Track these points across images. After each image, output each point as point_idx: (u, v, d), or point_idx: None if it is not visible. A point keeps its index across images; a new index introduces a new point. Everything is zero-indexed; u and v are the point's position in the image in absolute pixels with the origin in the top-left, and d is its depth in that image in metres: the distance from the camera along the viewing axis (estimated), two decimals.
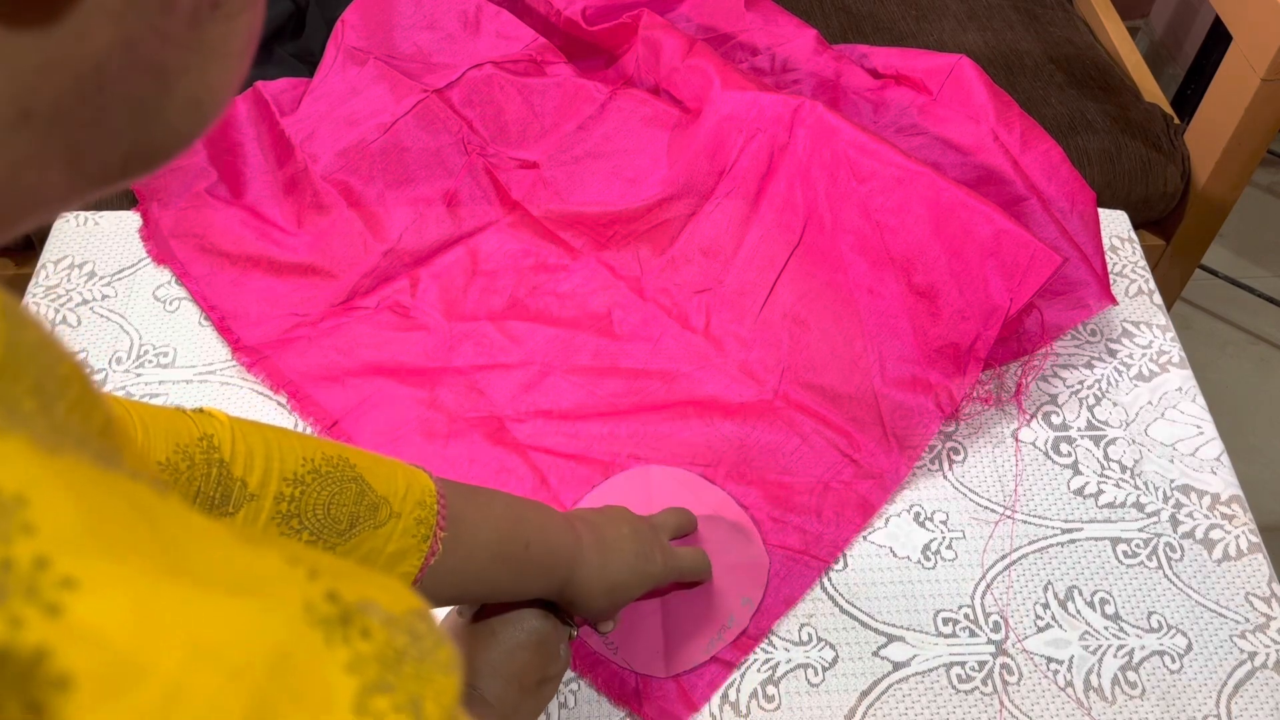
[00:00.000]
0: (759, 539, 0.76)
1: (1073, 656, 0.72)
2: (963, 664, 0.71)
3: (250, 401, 0.83)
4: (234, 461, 0.44)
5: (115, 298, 0.90)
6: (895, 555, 0.76)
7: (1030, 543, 0.77)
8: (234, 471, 0.44)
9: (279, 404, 0.83)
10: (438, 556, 0.50)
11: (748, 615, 0.72)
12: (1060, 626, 0.73)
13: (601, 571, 0.59)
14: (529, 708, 0.57)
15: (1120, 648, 0.72)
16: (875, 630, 0.73)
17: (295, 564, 0.21)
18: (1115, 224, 0.99)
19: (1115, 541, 0.77)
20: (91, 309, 0.89)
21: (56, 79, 0.19)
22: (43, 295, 0.90)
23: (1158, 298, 0.93)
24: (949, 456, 0.82)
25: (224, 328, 0.88)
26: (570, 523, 0.60)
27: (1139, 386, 0.87)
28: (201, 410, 0.47)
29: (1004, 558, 0.76)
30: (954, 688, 0.70)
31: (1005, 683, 0.70)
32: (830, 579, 0.75)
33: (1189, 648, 0.72)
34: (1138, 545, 0.77)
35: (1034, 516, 0.79)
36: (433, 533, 0.50)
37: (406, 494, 0.50)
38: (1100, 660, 0.72)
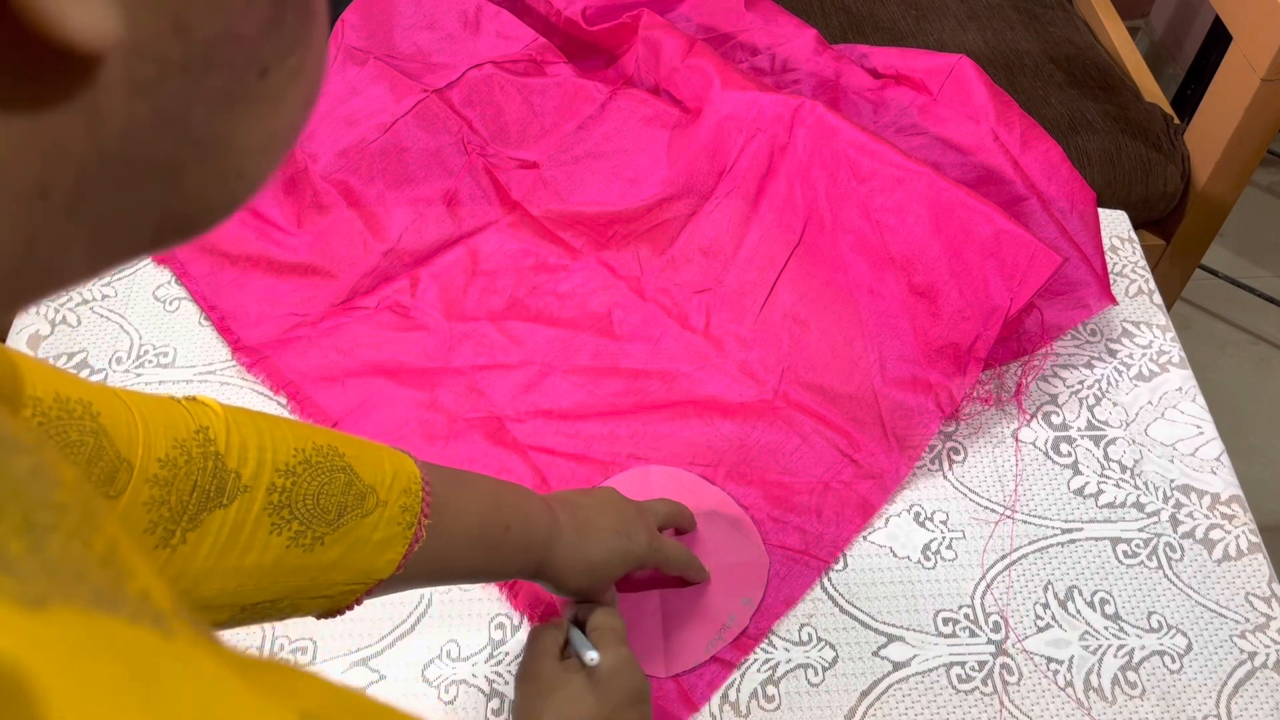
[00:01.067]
0: (759, 539, 0.76)
1: (1073, 656, 0.72)
2: (963, 664, 0.71)
3: (250, 402, 0.83)
4: (229, 454, 0.45)
5: (115, 297, 0.90)
6: (895, 555, 0.76)
7: (1030, 543, 0.77)
8: (228, 464, 0.45)
9: (279, 404, 0.83)
10: (421, 543, 0.51)
11: (748, 615, 0.72)
12: (1060, 626, 0.73)
13: (579, 550, 0.60)
14: None
15: (1120, 648, 0.72)
16: (875, 630, 0.73)
17: None
18: (1115, 224, 1.00)
19: (1115, 541, 0.77)
20: (91, 309, 0.89)
21: (75, 156, 0.18)
22: None
23: (1158, 298, 0.93)
24: (949, 456, 0.82)
25: (224, 328, 0.88)
26: (549, 504, 0.60)
27: (1139, 386, 0.87)
28: (195, 399, 0.47)
29: (1004, 558, 0.76)
30: (954, 688, 0.70)
31: (1005, 683, 0.70)
32: (830, 579, 0.75)
33: (1189, 648, 0.72)
34: (1138, 545, 0.77)
35: (1034, 516, 0.79)
36: (417, 520, 0.51)
37: (393, 482, 0.50)
38: (1100, 660, 0.72)
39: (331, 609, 0.51)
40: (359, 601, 0.51)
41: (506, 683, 0.69)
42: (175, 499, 0.43)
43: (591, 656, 0.57)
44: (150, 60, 0.18)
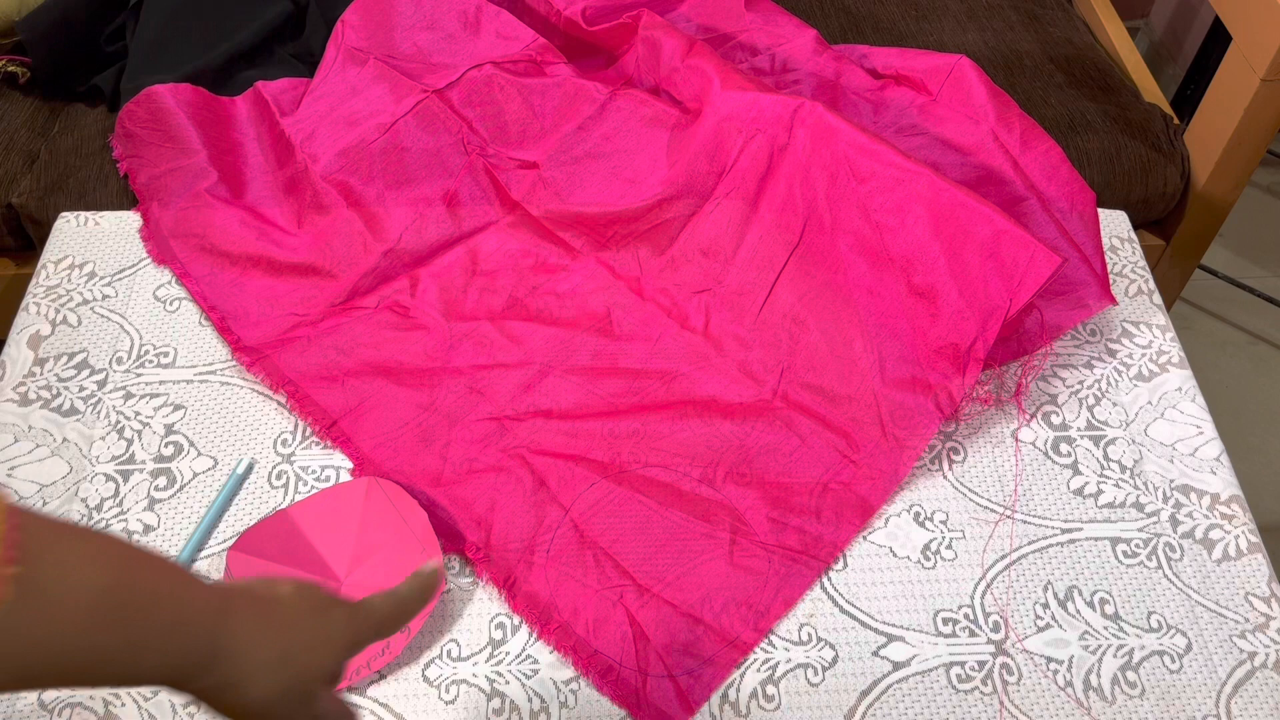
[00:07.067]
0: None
1: (1072, 656, 0.72)
2: (962, 664, 0.71)
3: (250, 401, 0.83)
4: None
5: (115, 298, 0.90)
6: (895, 555, 0.76)
7: (1030, 543, 0.77)
8: None
9: (278, 404, 0.83)
10: (4, 606, 0.34)
11: (402, 644, 0.69)
12: (1060, 626, 0.73)
13: (266, 635, 0.42)
14: None
15: (1120, 648, 0.72)
16: (875, 630, 0.73)
17: None
18: (1115, 224, 1.00)
19: (1115, 541, 0.77)
20: (91, 309, 0.89)
21: None
22: (43, 295, 0.90)
23: (1157, 298, 0.93)
24: (949, 456, 0.82)
25: (224, 328, 0.88)
26: (203, 581, 0.43)
27: (1139, 386, 0.87)
28: None
29: (1004, 557, 0.76)
30: (954, 687, 0.70)
31: (1005, 682, 0.70)
32: (830, 579, 0.75)
33: (1189, 648, 0.72)
34: (1137, 545, 0.77)
35: (1034, 516, 0.79)
36: None
37: None
38: (1100, 660, 0.72)
39: None
40: None
41: (507, 683, 0.70)
42: None
43: None
44: None
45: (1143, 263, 0.96)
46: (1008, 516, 0.79)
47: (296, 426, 0.82)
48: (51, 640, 0.36)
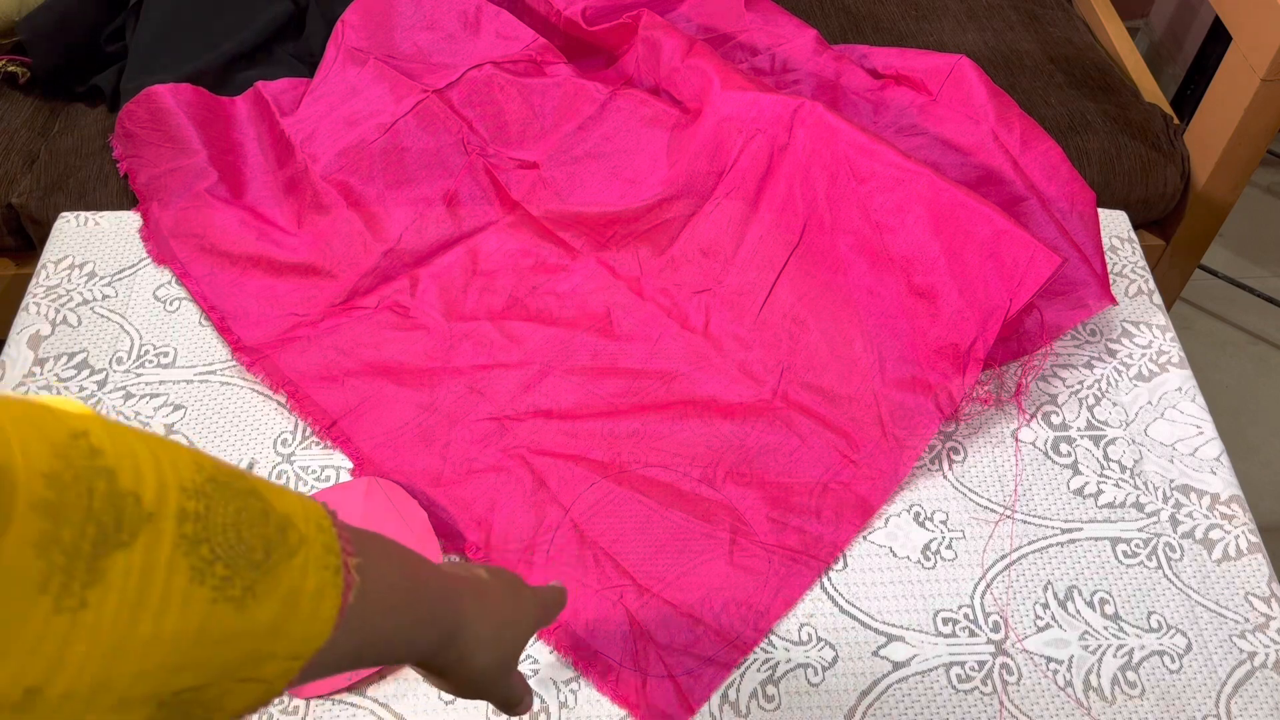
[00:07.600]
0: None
1: (1072, 656, 0.72)
2: (962, 664, 0.71)
3: (250, 401, 0.83)
4: (119, 468, 0.31)
5: (115, 298, 0.90)
6: (895, 555, 0.76)
7: (1030, 543, 0.77)
8: (121, 482, 0.31)
9: (279, 404, 0.83)
10: (355, 591, 0.38)
11: None
12: (1060, 626, 0.73)
13: (484, 614, 0.48)
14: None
15: (1120, 648, 0.72)
16: (875, 630, 0.73)
17: None
18: (1115, 224, 1.00)
19: (1115, 541, 0.77)
20: (91, 309, 0.89)
21: None
22: (43, 295, 0.90)
23: (1157, 298, 0.93)
24: (949, 456, 0.82)
25: (224, 328, 0.88)
26: (437, 567, 0.49)
27: (1139, 386, 0.87)
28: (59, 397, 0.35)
29: (1004, 557, 0.76)
30: (954, 687, 0.70)
31: (1005, 682, 0.70)
32: (830, 579, 0.75)
33: (1188, 648, 0.72)
34: (1137, 545, 0.77)
35: (1034, 516, 0.79)
36: (342, 561, 0.38)
37: (305, 513, 0.38)
38: (1100, 660, 0.72)
39: (263, 699, 0.36)
40: (292, 685, 0.37)
41: None
42: (69, 536, 0.29)
43: None
44: None
45: (1143, 263, 0.96)
46: (1008, 516, 0.79)
47: (296, 426, 0.82)
48: (373, 623, 0.40)
